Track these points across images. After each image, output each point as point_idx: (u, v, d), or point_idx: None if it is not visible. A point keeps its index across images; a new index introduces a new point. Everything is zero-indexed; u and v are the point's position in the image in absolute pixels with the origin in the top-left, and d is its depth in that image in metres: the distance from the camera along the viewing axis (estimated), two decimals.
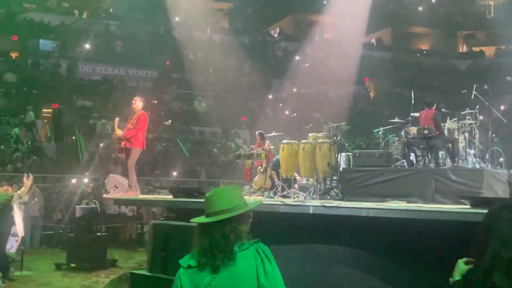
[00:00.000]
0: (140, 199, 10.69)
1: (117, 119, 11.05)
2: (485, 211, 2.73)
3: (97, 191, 15.07)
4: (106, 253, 11.69)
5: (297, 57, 29.51)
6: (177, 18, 28.68)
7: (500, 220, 2.80)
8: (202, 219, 2.74)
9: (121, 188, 11.02)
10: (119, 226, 14.83)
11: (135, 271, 7.44)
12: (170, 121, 23.48)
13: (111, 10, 31.07)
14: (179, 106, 25.15)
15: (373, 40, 34.00)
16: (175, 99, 25.50)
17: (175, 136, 22.54)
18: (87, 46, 25.94)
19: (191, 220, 2.80)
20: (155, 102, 23.31)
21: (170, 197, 9.60)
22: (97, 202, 13.82)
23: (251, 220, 2.80)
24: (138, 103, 10.35)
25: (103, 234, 12.28)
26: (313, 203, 7.65)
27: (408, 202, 8.30)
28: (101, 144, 19.41)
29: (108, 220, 14.29)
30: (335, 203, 7.73)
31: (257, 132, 12.64)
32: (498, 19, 30.44)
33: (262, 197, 9.94)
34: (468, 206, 6.16)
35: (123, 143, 10.20)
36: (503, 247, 2.65)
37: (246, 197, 2.94)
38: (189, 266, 2.69)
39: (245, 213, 2.76)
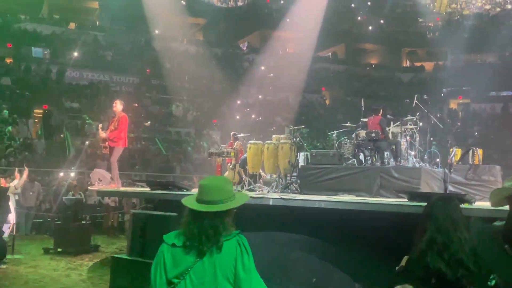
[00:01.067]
0: (121, 191, 10.59)
1: (100, 124, 11.00)
2: (421, 204, 2.79)
3: (82, 184, 14.91)
4: (89, 239, 11.54)
5: (262, 68, 29.58)
6: (156, 31, 28.49)
7: (437, 209, 2.90)
8: (194, 204, 2.64)
9: (105, 181, 10.92)
10: (102, 215, 14.67)
11: (116, 255, 7.34)
12: (149, 122, 23.31)
13: (97, 23, 30.68)
14: (158, 109, 24.99)
15: (329, 54, 34.31)
16: (154, 103, 25.33)
17: (154, 136, 22.37)
18: (75, 53, 25.59)
19: (182, 201, 2.69)
20: (136, 105, 23.11)
21: (147, 189, 9.55)
22: (82, 194, 13.67)
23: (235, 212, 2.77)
24: (118, 106, 10.24)
25: (87, 222, 12.15)
26: (273, 196, 7.69)
27: (357, 196, 8.40)
28: (87, 142, 19.17)
29: (92, 210, 14.13)
30: (292, 196, 7.79)
31: (231, 133, 12.72)
32: (436, 38, 31.05)
33: (248, 192, 9.90)
34: (406, 200, 6.29)
35: (107, 143, 10.14)
36: (438, 233, 2.73)
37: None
38: (173, 245, 2.60)
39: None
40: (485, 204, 5.58)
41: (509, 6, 30.83)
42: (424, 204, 2.89)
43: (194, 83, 26.88)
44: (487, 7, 31.27)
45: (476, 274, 2.23)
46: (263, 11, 32.31)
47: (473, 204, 5.71)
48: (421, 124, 12.73)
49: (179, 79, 26.27)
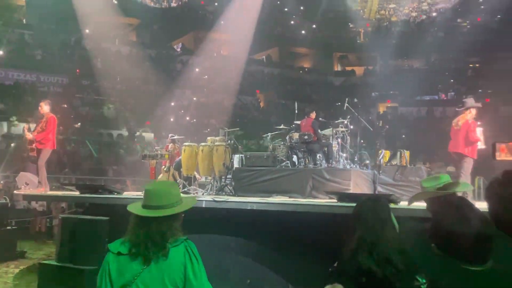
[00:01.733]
0: (48, 195, 10.21)
1: (26, 126, 10.60)
2: (351, 204, 2.87)
3: (9, 188, 14.26)
4: (15, 245, 11.05)
5: (197, 70, 29.43)
6: (87, 30, 27.67)
7: (366, 210, 2.99)
8: (140, 210, 2.56)
9: (32, 185, 10.53)
10: (29, 220, 14.10)
11: (44, 261, 7.07)
12: (79, 124, 22.62)
13: (24, 21, 29.44)
14: (88, 110, 24.31)
15: (264, 57, 34.62)
16: (85, 104, 24.62)
17: (84, 137, 21.74)
18: (0, 52, 24.44)
19: (128, 207, 2.61)
20: (65, 106, 22.37)
21: (77, 193, 9.29)
22: (7, 198, 13.07)
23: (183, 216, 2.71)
24: (44, 107, 9.89)
25: (12, 227, 11.61)
26: (206, 198, 7.68)
27: (290, 197, 8.53)
28: (12, 144, 18.38)
29: (18, 214, 13.54)
30: (225, 198, 7.81)
31: (169, 136, 12.61)
32: (366, 44, 32.03)
33: (195, 195, 9.76)
34: (336, 200, 6.46)
35: (34, 144, 9.75)
36: (367, 232, 2.82)
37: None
38: (119, 253, 2.51)
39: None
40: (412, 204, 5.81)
41: (434, 14, 32.29)
42: (354, 204, 2.97)
43: (127, 84, 26.35)
44: (414, 14, 32.63)
45: (404, 272, 2.31)
46: (197, 13, 32.17)
47: (398, 204, 5.95)
48: (351, 127, 13.11)
49: (111, 80, 25.66)
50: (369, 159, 12.45)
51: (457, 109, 8.85)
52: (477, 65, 31.60)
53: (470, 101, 8.51)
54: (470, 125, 8.21)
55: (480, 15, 30.85)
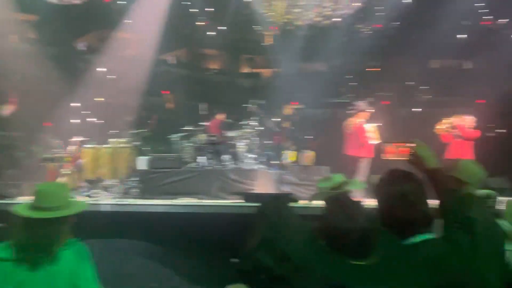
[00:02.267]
0: None
1: None
2: (255, 204, 2.92)
3: None
4: None
5: (102, 69, 28.47)
6: None
7: (268, 208, 3.06)
8: (27, 211, 2.44)
9: None
10: None
11: None
12: None
13: None
14: None
15: (172, 58, 34.19)
16: None
17: None
18: None
19: (13, 208, 2.42)
20: None
21: None
22: None
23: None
24: None
25: None
26: (109, 202, 7.49)
27: (197, 198, 8.53)
28: None
29: None
30: (129, 201, 7.66)
31: (73, 137, 12.09)
32: (273, 47, 32.55)
33: (85, 198, 9.42)
34: (241, 201, 6.54)
35: None
36: (269, 230, 2.88)
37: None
38: (2, 259, 2.39)
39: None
40: (313, 203, 5.99)
41: (337, 19, 33.47)
42: (258, 204, 3.02)
43: (26, 84, 24.94)
44: (318, 19, 33.58)
45: (301, 269, 2.37)
46: (102, 11, 31.07)
47: (298, 202, 6.13)
48: (260, 128, 13.32)
49: (7, 78, 24.17)
50: (275, 160, 12.73)
51: (348, 112, 9.24)
52: (376, 69, 33.20)
53: (361, 104, 8.92)
54: (360, 128, 8.59)
55: (379, 22, 32.42)
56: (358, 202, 2.01)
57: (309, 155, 11.73)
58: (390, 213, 2.16)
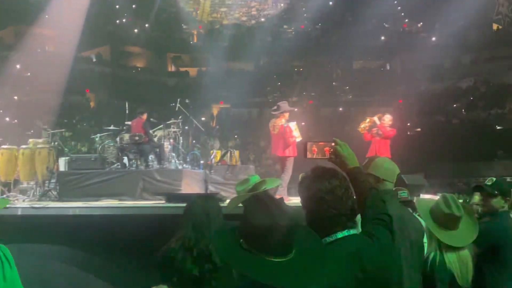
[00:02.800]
0: None
1: None
2: (180, 205, 2.88)
3: None
4: None
5: (18, 66, 27.15)
6: None
7: (195, 208, 3.03)
8: None
9: None
10: None
11: None
12: None
13: None
14: None
15: (94, 56, 33.19)
16: None
17: None
18: None
19: None
20: None
21: None
22: None
23: None
24: None
25: None
26: (24, 205, 7.14)
27: (120, 200, 8.31)
28: None
29: None
30: (46, 203, 7.34)
31: None
32: (199, 45, 32.44)
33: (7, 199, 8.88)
34: (164, 202, 6.45)
35: None
36: (193, 229, 2.85)
37: None
38: None
39: None
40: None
41: (262, 19, 33.85)
42: (182, 204, 2.98)
43: None
44: (244, 18, 33.86)
45: (221, 269, 2.35)
46: (17, 5, 29.64)
47: (224, 202, 6.11)
48: (186, 127, 13.18)
49: None
50: (201, 159, 12.66)
51: (272, 112, 9.32)
52: (301, 69, 33.87)
53: (284, 105, 9.03)
54: (286, 128, 8.70)
55: (303, 23, 33.13)
56: (277, 200, 2.01)
57: (234, 154, 11.75)
58: (315, 210, 2.18)
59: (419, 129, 26.42)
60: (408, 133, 26.05)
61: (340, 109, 31.01)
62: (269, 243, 1.85)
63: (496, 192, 3.90)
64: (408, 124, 27.08)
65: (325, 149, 2.53)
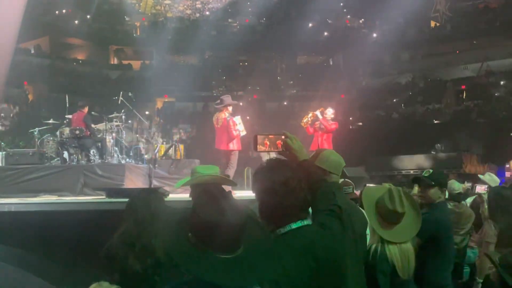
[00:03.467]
0: None
1: None
2: (122, 200, 2.79)
3: None
4: None
5: None
6: None
7: (137, 203, 2.93)
8: None
9: None
10: None
11: None
12: None
13: None
14: None
15: (32, 47, 31.95)
16: None
17: None
18: None
19: None
20: None
21: None
22: None
23: None
24: None
25: None
26: None
27: (60, 196, 8.05)
28: None
29: None
30: None
31: None
32: (142, 38, 31.84)
33: None
34: (104, 197, 6.27)
35: None
36: (135, 225, 2.76)
37: None
38: None
39: None
40: (183, 196, 5.92)
41: (207, 13, 33.60)
42: (124, 200, 2.89)
43: None
44: (188, 11, 33.46)
45: (165, 264, 2.29)
46: None
47: (167, 197, 5.99)
48: (129, 121, 12.90)
49: None
50: (145, 153, 12.43)
51: (215, 106, 9.26)
52: (246, 63, 33.89)
53: (227, 98, 8.98)
54: (229, 122, 8.65)
55: (248, 17, 33.13)
56: (227, 194, 1.96)
57: (179, 148, 11.59)
58: (269, 201, 2.17)
59: (360, 123, 27.01)
60: (350, 127, 26.59)
61: (285, 103, 31.27)
62: (217, 239, 1.81)
63: (433, 183, 4.01)
64: (351, 118, 27.64)
65: (277, 142, 2.55)
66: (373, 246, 3.21)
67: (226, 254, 1.83)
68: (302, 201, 2.19)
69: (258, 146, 2.55)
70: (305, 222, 2.19)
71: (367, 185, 6.13)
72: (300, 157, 2.51)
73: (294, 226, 2.14)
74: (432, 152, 19.29)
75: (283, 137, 2.53)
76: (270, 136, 2.58)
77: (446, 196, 5.91)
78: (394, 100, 28.53)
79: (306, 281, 2.04)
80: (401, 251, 3.18)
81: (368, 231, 3.24)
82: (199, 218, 1.85)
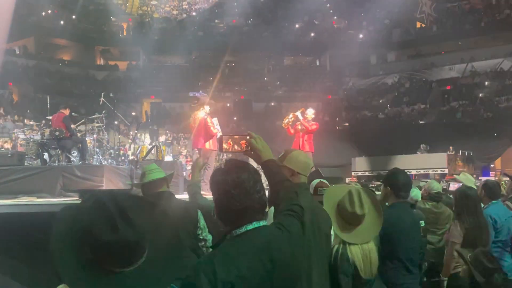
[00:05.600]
0: None
1: None
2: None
3: None
4: None
5: None
6: None
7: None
8: None
9: None
10: None
11: None
12: None
13: None
14: None
15: (17, 48, 31.67)
16: None
17: None
18: None
19: None
20: None
21: None
22: None
23: None
24: None
25: None
26: None
27: (38, 197, 7.94)
28: None
29: None
30: None
31: None
32: (129, 38, 31.70)
33: None
34: (76, 198, 6.19)
35: None
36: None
37: None
38: None
39: None
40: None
41: (194, 13, 33.52)
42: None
43: None
44: (175, 12, 33.37)
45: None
46: None
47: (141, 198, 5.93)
48: (116, 122, 12.78)
49: None
50: (127, 154, 12.34)
51: (192, 105, 9.22)
52: (233, 64, 33.83)
53: (204, 98, 8.94)
54: (206, 121, 8.57)
55: (234, 18, 33.10)
56: (125, 207, 1.85)
57: (161, 149, 11.51)
58: (223, 203, 2.14)
59: (347, 124, 27.06)
60: (337, 127, 26.63)
61: (272, 103, 31.24)
62: (112, 258, 1.74)
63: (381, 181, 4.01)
64: (337, 118, 27.69)
65: (241, 142, 2.54)
66: (335, 247, 3.20)
67: (125, 268, 1.77)
68: (256, 204, 2.15)
69: (222, 146, 2.55)
70: (261, 223, 2.15)
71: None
72: (264, 157, 2.50)
73: (249, 227, 2.10)
74: (417, 152, 19.34)
75: (247, 137, 2.52)
76: (235, 136, 2.58)
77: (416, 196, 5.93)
78: (380, 101, 28.64)
79: (262, 282, 2.02)
80: (362, 251, 3.18)
81: (332, 232, 3.22)
82: (91, 235, 1.76)
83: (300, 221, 2.29)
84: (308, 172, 3.31)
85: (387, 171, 4.49)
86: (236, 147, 2.55)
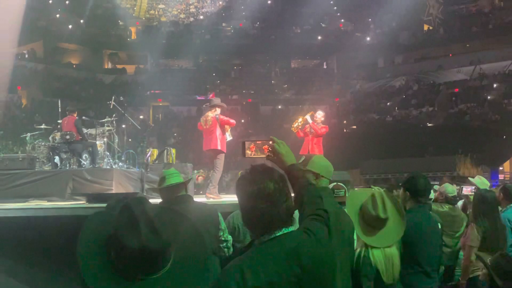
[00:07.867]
0: None
1: None
2: (100, 205, 2.65)
3: None
4: None
5: None
6: None
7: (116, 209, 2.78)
8: None
9: None
10: None
11: None
12: None
13: None
14: None
15: (26, 52, 31.79)
16: None
17: None
18: None
19: None
20: None
21: None
22: None
23: None
24: None
25: None
26: None
27: (48, 201, 7.92)
28: None
29: None
30: None
31: None
32: (137, 42, 31.72)
33: None
34: (83, 202, 6.13)
35: None
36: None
37: None
38: None
39: None
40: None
41: (201, 17, 33.56)
42: (104, 205, 2.76)
43: None
44: (182, 15, 33.43)
45: None
46: None
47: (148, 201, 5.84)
48: (124, 126, 12.75)
49: None
50: (137, 158, 12.30)
51: (203, 107, 9.18)
52: (240, 67, 33.82)
53: (216, 100, 8.87)
54: (220, 116, 8.47)
55: (242, 21, 33.07)
56: (150, 215, 1.86)
57: (170, 153, 11.45)
58: (252, 213, 2.12)
59: (354, 127, 26.95)
60: (344, 130, 26.52)
61: (279, 107, 31.20)
62: (137, 265, 1.74)
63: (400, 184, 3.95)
64: (345, 121, 27.58)
65: (264, 147, 2.52)
66: (358, 251, 3.18)
67: (151, 275, 1.77)
68: (283, 214, 2.13)
69: (245, 151, 2.52)
70: (290, 229, 2.12)
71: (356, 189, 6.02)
72: (287, 161, 2.47)
73: (278, 233, 2.08)
74: (426, 155, 19.22)
75: (270, 142, 2.49)
76: (257, 141, 2.55)
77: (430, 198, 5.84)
78: (388, 104, 28.50)
79: (291, 287, 2.00)
80: (385, 255, 3.18)
81: (355, 236, 3.19)
82: (118, 243, 1.77)
83: (326, 225, 2.27)
84: (331, 175, 3.28)
85: (395, 174, 4.43)
86: (259, 152, 2.54)
